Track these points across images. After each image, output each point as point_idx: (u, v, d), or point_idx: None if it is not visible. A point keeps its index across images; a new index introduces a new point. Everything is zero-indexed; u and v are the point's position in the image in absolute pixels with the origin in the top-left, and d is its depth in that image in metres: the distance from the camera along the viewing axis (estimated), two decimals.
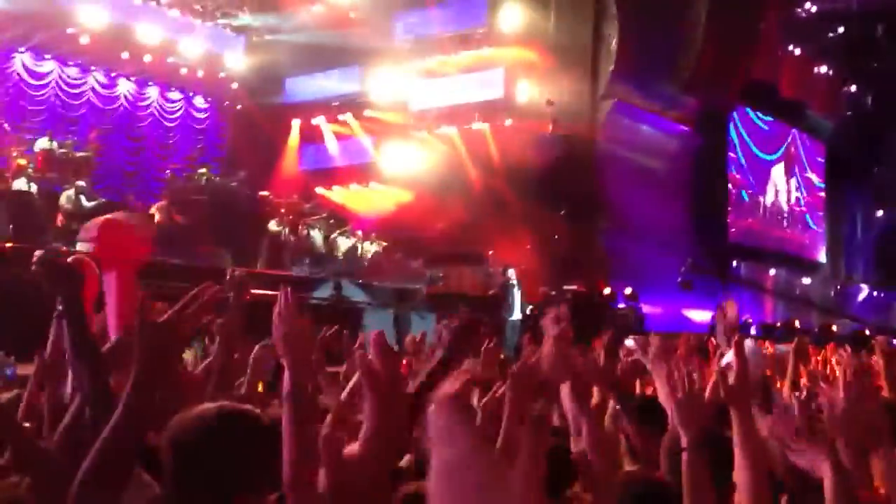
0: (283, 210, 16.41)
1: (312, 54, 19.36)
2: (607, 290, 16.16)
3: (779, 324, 19.29)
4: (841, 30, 23.71)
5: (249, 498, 2.00)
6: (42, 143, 14.64)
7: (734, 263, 22.18)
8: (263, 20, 19.97)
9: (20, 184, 12.99)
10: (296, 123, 20.80)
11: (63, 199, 13.24)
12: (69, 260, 3.02)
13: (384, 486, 1.59)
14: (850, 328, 18.37)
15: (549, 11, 17.77)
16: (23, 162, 13.64)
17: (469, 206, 17.08)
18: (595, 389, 3.87)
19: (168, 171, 17.94)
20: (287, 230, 15.87)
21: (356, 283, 14.59)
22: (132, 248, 4.96)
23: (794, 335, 7.71)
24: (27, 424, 2.95)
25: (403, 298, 14.86)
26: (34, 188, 13.07)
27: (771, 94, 22.85)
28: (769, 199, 24.74)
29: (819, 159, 26.84)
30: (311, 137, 20.76)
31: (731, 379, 2.49)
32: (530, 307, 14.60)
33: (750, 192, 23.89)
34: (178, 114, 20.34)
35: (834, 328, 18.49)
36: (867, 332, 14.06)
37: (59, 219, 13.08)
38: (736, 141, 22.88)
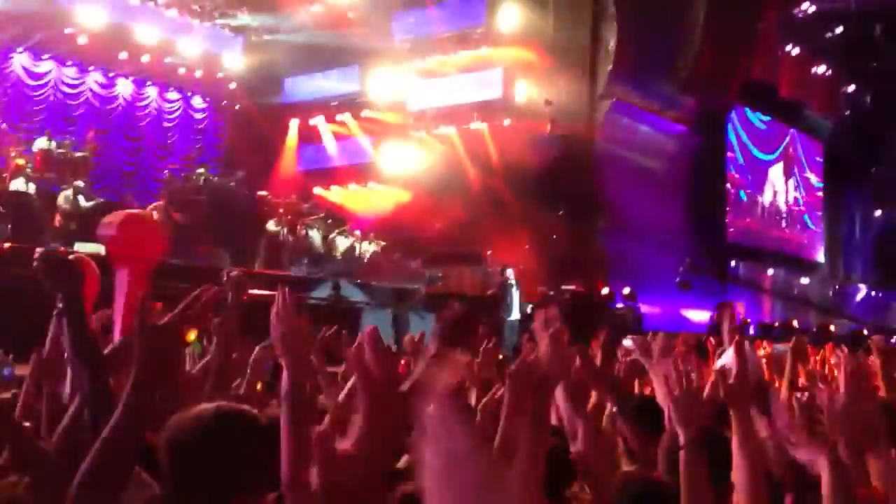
0: (281, 210, 16.41)
1: (311, 54, 19.35)
2: (606, 290, 16.16)
3: (777, 324, 19.28)
4: (839, 30, 23.69)
5: (247, 498, 2.00)
6: (40, 143, 14.65)
7: (732, 263, 22.18)
8: (261, 20, 19.94)
9: (18, 184, 13.00)
10: (294, 123, 20.79)
11: (61, 200, 13.24)
12: (70, 257, 3.01)
13: (377, 485, 1.58)
14: (848, 328, 18.37)
15: (548, 11, 17.77)
16: (21, 162, 13.64)
17: (467, 205, 17.07)
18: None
19: (166, 171, 17.92)
20: (285, 230, 15.87)
21: (355, 283, 14.59)
22: (149, 246, 4.97)
23: (793, 335, 7.70)
24: (27, 424, 2.94)
25: (402, 298, 14.85)
26: (32, 188, 13.08)
27: (769, 94, 22.85)
28: (767, 198, 24.74)
29: (817, 159, 26.84)
30: (310, 137, 20.75)
31: (731, 379, 2.50)
32: (530, 307, 14.60)
33: (748, 191, 23.90)
34: (176, 114, 20.34)
35: (832, 328, 18.49)
36: (865, 332, 14.06)
37: (57, 219, 13.08)
38: (734, 141, 22.88)
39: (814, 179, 26.74)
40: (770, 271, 24.70)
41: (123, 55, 18.12)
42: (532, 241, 16.88)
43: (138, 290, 4.18)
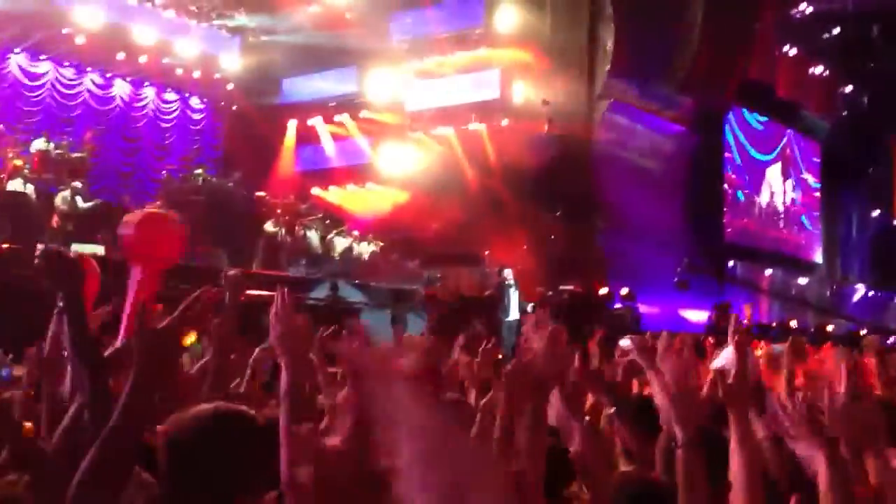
0: (279, 210, 16.40)
1: (308, 55, 19.33)
2: (604, 291, 16.16)
3: (774, 324, 19.29)
4: (837, 30, 23.69)
5: (246, 498, 2.01)
6: (38, 144, 14.62)
7: (730, 263, 22.17)
8: (259, 21, 19.94)
9: (16, 185, 12.99)
10: (292, 124, 20.78)
11: (59, 200, 13.23)
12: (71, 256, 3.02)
13: (366, 481, 1.58)
14: (845, 328, 18.38)
15: (545, 12, 17.77)
16: (19, 163, 13.61)
17: (465, 206, 17.08)
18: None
19: (164, 172, 17.93)
20: (283, 231, 15.87)
21: (353, 284, 14.60)
22: (166, 247, 4.97)
23: (790, 335, 7.70)
24: (28, 424, 2.95)
25: (400, 299, 14.86)
26: (30, 189, 13.07)
27: (767, 95, 22.84)
28: (765, 199, 24.74)
29: (815, 159, 26.84)
30: (308, 138, 20.74)
31: (730, 379, 2.50)
32: (529, 307, 14.60)
33: (746, 192, 23.90)
34: (174, 114, 20.32)
35: (830, 328, 18.50)
36: (862, 333, 14.07)
37: (55, 220, 13.07)
38: (732, 141, 22.88)
39: (811, 180, 26.75)
40: (768, 271, 24.69)
41: (121, 56, 18.10)
42: (530, 242, 16.88)
43: (150, 290, 4.20)
